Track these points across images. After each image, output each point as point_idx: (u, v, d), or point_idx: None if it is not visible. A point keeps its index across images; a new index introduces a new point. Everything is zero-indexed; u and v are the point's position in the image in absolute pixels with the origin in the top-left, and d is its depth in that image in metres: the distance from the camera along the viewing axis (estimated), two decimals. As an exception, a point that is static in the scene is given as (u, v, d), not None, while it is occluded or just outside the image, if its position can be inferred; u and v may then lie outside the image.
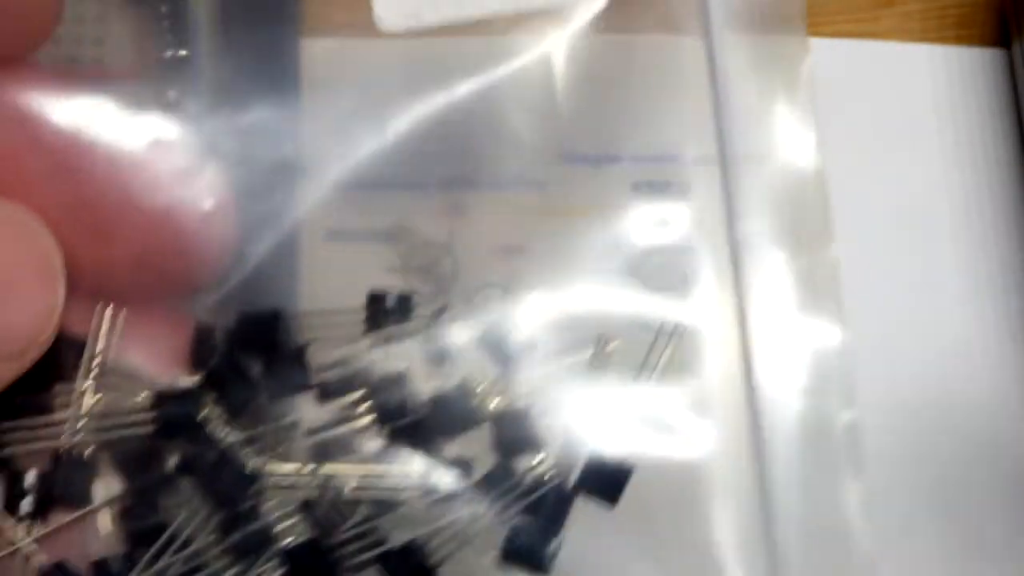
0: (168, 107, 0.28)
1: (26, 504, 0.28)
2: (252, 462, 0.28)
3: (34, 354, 0.27)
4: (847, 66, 0.37)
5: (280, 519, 0.28)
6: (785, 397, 0.30)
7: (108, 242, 0.28)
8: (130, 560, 0.28)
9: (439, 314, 0.29)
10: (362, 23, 0.30)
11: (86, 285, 0.28)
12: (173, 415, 0.27)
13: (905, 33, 0.39)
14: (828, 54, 0.36)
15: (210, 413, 0.28)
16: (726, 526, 0.29)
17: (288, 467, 0.28)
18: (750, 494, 0.30)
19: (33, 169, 0.27)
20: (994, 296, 0.39)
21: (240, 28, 0.31)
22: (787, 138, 0.31)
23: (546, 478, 0.29)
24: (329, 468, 0.28)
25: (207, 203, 0.28)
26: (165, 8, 0.31)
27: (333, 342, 0.29)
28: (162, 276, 0.29)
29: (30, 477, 0.28)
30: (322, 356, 0.28)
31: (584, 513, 0.29)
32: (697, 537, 0.29)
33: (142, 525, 0.28)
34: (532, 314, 0.29)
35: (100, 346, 0.28)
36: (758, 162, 0.31)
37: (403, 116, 0.29)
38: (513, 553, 0.28)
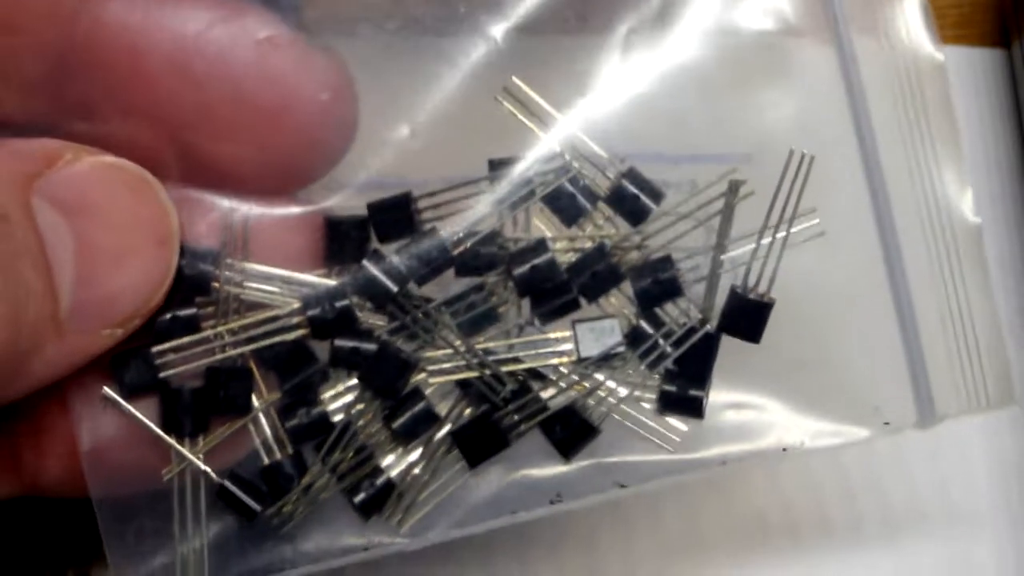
0: (269, 2, 0.27)
1: (187, 421, 0.28)
2: (406, 349, 0.28)
3: (139, 323, 0.27)
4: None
5: (441, 400, 0.28)
6: (913, 208, 0.30)
7: (229, 140, 0.27)
8: (298, 460, 0.28)
9: (561, 177, 0.29)
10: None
11: (211, 183, 0.28)
12: (324, 315, 0.27)
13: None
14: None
15: (358, 307, 0.28)
16: (865, 341, 0.30)
17: (441, 350, 0.28)
18: (884, 310, 0.30)
19: (153, 70, 0.27)
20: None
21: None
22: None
23: (691, 323, 0.29)
24: (480, 344, 0.28)
25: (323, 94, 0.28)
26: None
27: (461, 217, 0.29)
28: (285, 168, 0.28)
29: (187, 395, 0.28)
30: (454, 232, 0.28)
31: (728, 355, 0.29)
32: (839, 360, 0.30)
33: (304, 423, 0.28)
34: (655, 169, 0.29)
35: (233, 253, 0.28)
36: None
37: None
38: (669, 401, 0.29)
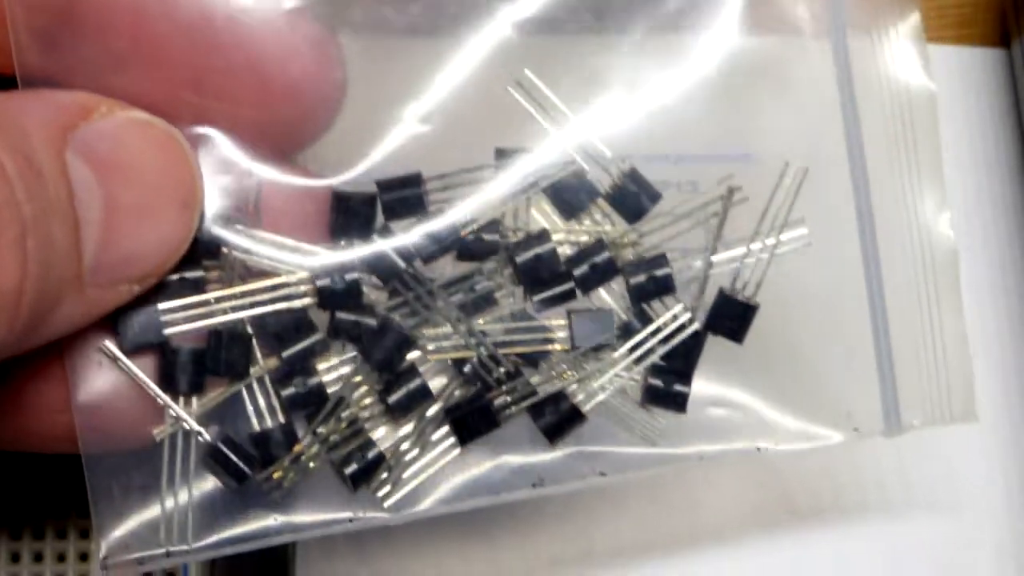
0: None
1: (184, 381, 0.28)
2: (406, 325, 0.29)
3: (153, 281, 0.27)
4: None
5: (436, 378, 0.29)
6: (895, 230, 0.31)
7: (234, 105, 0.28)
8: (290, 429, 0.29)
9: (565, 171, 0.30)
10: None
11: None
12: (333, 286, 0.28)
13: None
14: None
15: (364, 281, 0.28)
16: (841, 351, 0.31)
17: (440, 328, 0.29)
18: (861, 322, 0.31)
19: (164, 33, 0.27)
20: (994, 296, 0.40)
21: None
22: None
23: (679, 321, 0.30)
24: (478, 326, 0.29)
25: (333, 71, 0.28)
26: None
27: (465, 202, 0.29)
28: (283, 134, 0.29)
29: (185, 354, 0.28)
30: (460, 215, 0.29)
31: (711, 354, 0.30)
32: (816, 367, 0.31)
33: (300, 392, 0.28)
34: (657, 169, 0.30)
35: (244, 219, 0.28)
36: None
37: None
38: (654, 395, 0.30)
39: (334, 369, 0.29)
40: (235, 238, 0.28)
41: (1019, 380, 0.39)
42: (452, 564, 0.37)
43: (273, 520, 0.29)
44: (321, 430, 0.28)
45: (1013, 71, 0.41)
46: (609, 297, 0.30)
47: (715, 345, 0.30)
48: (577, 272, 0.29)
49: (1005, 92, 0.41)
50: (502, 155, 0.29)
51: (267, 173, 0.28)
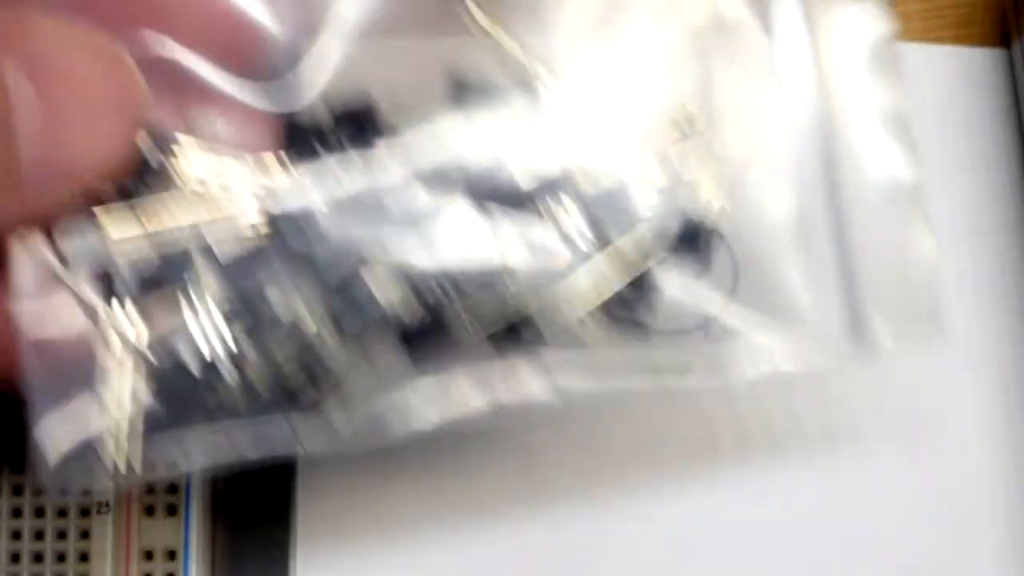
0: None
1: (129, 301, 0.27)
2: (361, 248, 0.28)
3: (93, 188, 0.27)
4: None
5: (392, 303, 0.28)
6: (858, 155, 0.31)
7: (180, 33, 0.28)
8: (239, 354, 0.28)
9: (527, 96, 0.29)
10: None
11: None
12: (283, 212, 0.27)
13: (905, 33, 0.39)
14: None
15: (318, 207, 0.28)
16: (809, 277, 0.30)
17: (395, 250, 0.28)
18: (828, 248, 0.31)
19: None
20: (994, 297, 0.40)
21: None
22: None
23: (642, 248, 0.29)
24: (434, 250, 0.28)
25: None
26: None
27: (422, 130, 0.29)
28: (229, 66, 0.29)
29: (131, 275, 0.27)
30: (417, 142, 0.28)
31: (678, 282, 0.30)
32: (783, 294, 0.30)
33: (250, 316, 0.28)
34: (616, 97, 0.30)
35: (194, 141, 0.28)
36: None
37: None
38: (616, 321, 0.29)
39: (286, 294, 0.28)
40: (184, 160, 0.27)
41: (1019, 381, 0.39)
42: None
43: (222, 443, 0.28)
44: (271, 356, 0.28)
45: (1013, 71, 0.41)
46: (570, 224, 0.29)
47: (680, 272, 0.30)
48: (536, 197, 0.29)
49: (1005, 92, 0.41)
50: (457, 79, 0.29)
51: (219, 96, 0.28)
